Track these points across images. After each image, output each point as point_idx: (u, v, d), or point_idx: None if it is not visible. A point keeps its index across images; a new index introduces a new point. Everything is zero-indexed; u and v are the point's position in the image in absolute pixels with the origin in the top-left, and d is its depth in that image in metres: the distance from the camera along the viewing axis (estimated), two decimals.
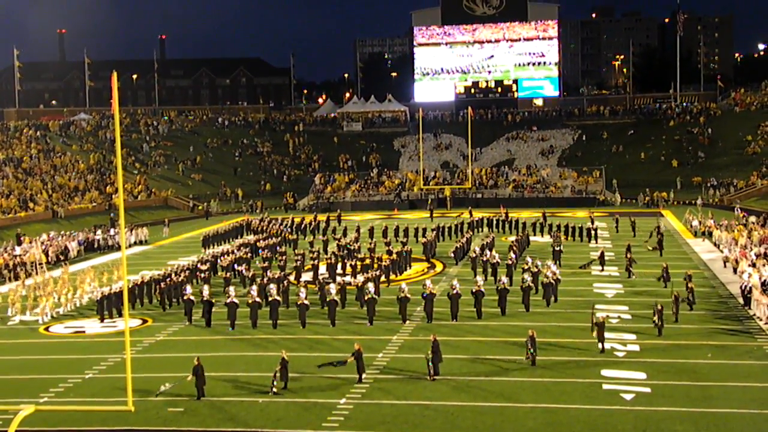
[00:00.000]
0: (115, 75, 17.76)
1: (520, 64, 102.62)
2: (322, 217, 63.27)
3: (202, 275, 39.94)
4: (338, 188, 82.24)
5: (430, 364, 24.68)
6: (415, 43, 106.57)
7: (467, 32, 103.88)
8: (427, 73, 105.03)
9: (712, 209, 62.75)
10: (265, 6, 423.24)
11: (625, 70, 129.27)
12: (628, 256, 40.73)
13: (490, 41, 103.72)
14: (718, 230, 49.52)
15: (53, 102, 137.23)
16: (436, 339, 25.21)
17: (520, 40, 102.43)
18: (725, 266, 41.71)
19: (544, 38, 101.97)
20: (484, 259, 40.69)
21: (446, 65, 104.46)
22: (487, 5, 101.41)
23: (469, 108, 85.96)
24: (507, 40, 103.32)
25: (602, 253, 42.36)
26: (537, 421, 21.27)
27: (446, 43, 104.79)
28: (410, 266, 43.96)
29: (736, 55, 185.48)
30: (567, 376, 24.79)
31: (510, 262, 39.57)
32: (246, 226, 59.75)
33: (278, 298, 33.00)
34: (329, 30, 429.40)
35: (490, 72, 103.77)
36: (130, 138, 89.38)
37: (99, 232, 57.78)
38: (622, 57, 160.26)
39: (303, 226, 59.40)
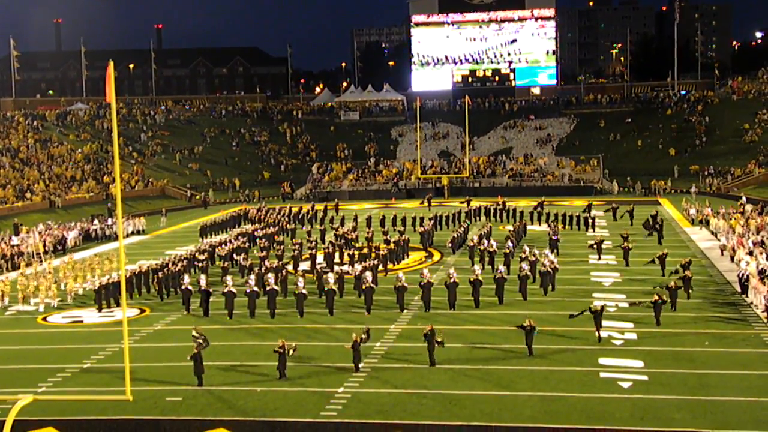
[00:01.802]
0: (111, 64, 17.64)
1: (552, 52, 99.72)
2: (319, 207, 63.27)
3: (200, 265, 39.93)
4: (336, 177, 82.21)
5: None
6: (411, 24, 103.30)
7: (481, 10, 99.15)
8: (428, 63, 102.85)
9: (708, 197, 62.77)
10: None
11: (622, 58, 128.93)
12: (625, 244, 40.73)
13: (512, 20, 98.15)
14: (715, 218, 49.55)
15: (50, 92, 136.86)
16: (433, 329, 25.27)
17: (550, 18, 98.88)
18: (722, 254, 41.77)
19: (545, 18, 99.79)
20: (482, 248, 40.73)
21: (451, 51, 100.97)
22: None
23: (467, 97, 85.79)
24: (536, 19, 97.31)
25: (599, 242, 42.39)
26: (534, 410, 21.31)
27: (452, 23, 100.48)
28: (408, 255, 43.96)
29: (734, 43, 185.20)
30: (564, 364, 24.84)
31: (507, 251, 39.59)
32: (244, 215, 59.72)
33: (276, 287, 33.02)
34: (326, 19, 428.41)
35: (511, 63, 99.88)
36: (127, 128, 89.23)
37: (96, 221, 57.73)
38: (619, 45, 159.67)
39: (301, 215, 59.35)
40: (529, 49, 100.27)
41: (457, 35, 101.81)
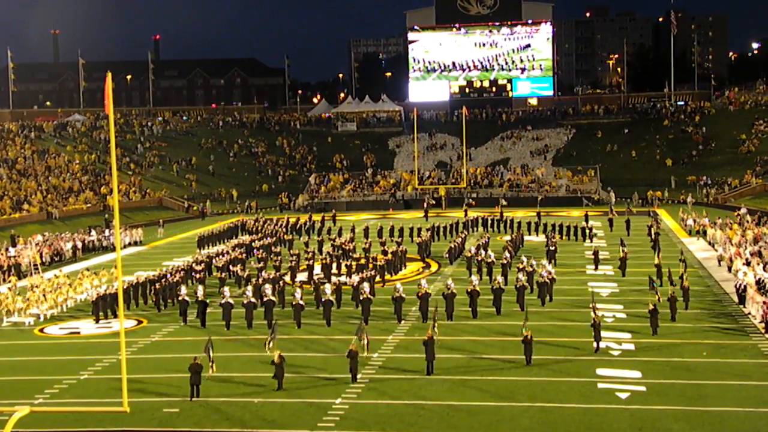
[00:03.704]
0: (109, 75, 17.68)
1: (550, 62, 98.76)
2: (317, 217, 63.28)
3: (197, 276, 39.91)
4: (333, 188, 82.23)
5: None
6: (415, 27, 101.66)
7: (478, 22, 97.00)
8: (433, 69, 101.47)
9: (705, 208, 62.82)
10: (260, 6, 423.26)
11: (619, 69, 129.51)
12: (623, 253, 40.69)
13: (525, 23, 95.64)
14: (712, 229, 49.60)
15: (47, 103, 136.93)
16: (432, 337, 25.28)
17: (547, 22, 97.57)
18: (720, 265, 41.79)
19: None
20: (479, 258, 40.74)
21: (458, 57, 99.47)
22: (482, 5, 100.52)
23: (464, 107, 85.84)
24: (548, 22, 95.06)
25: (596, 252, 42.42)
26: (532, 420, 21.29)
27: (458, 27, 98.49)
28: (405, 266, 43.97)
29: (730, 54, 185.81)
30: (562, 375, 24.82)
31: (505, 262, 39.58)
32: (241, 226, 59.72)
33: (273, 298, 33.00)
34: (323, 30, 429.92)
35: (524, 69, 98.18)
36: (125, 139, 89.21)
37: (94, 233, 57.67)
38: (616, 56, 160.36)
39: (298, 226, 59.36)
40: (546, 55, 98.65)
41: (464, 40, 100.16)
